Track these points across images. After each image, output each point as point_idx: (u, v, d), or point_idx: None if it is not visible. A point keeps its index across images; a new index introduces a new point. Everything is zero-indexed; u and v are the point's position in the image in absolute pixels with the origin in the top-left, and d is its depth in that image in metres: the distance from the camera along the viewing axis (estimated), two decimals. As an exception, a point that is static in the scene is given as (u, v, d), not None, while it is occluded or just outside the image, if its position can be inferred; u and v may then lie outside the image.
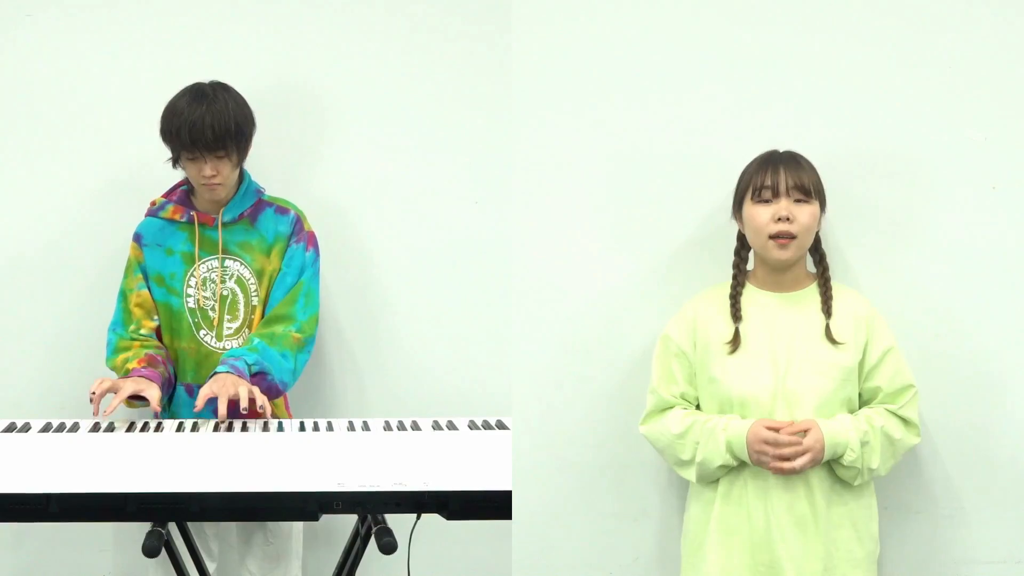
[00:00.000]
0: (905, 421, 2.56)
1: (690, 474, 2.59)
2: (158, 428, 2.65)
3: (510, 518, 2.39)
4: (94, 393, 2.68)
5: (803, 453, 2.46)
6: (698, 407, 2.64)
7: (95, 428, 2.63)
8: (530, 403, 2.84)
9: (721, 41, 2.80)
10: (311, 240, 2.97)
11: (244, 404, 2.64)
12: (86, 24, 3.13)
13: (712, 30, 2.80)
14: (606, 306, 2.82)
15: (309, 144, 3.18)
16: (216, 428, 2.66)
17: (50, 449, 2.43)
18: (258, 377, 2.81)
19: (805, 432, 2.48)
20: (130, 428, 2.64)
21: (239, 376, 2.75)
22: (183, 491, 2.26)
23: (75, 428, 2.62)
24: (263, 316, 2.94)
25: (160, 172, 2.99)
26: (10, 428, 2.63)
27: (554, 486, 2.84)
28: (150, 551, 2.41)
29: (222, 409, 2.65)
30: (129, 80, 3.13)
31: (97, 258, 3.14)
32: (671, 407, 2.63)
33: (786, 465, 2.46)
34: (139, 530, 2.49)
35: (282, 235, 2.94)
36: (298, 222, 2.96)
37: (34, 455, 2.40)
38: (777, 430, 2.48)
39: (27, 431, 2.59)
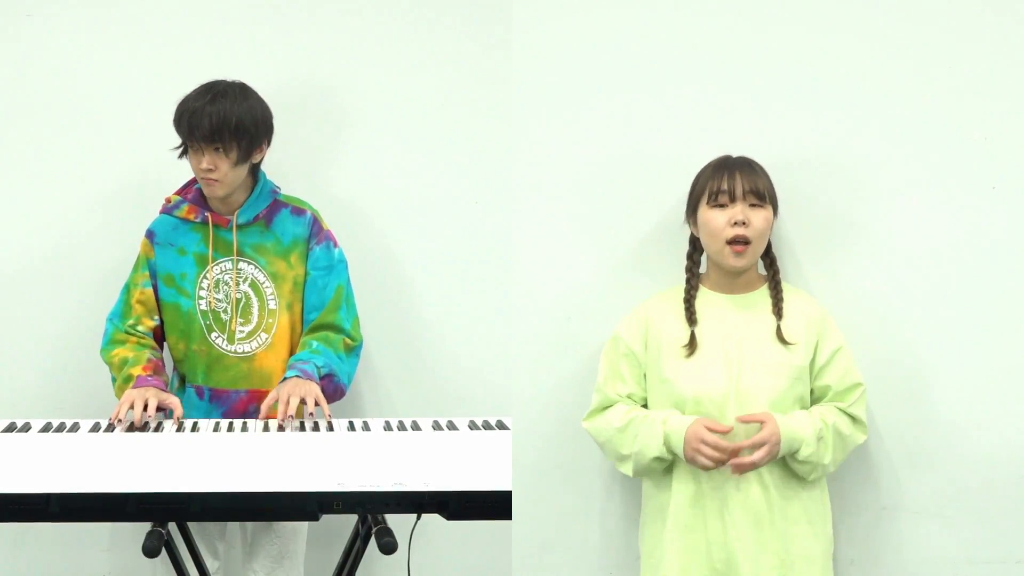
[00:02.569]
0: (853, 419, 2.59)
1: (627, 468, 2.61)
2: (158, 428, 2.65)
3: (510, 518, 2.39)
4: (121, 421, 2.67)
5: (759, 445, 2.47)
6: (645, 407, 2.64)
7: (95, 428, 2.63)
8: (530, 403, 2.84)
9: (717, 43, 2.80)
10: (333, 238, 2.96)
11: (311, 408, 2.66)
12: (90, 24, 3.13)
13: (707, 33, 2.80)
14: (607, 306, 2.82)
15: (315, 143, 3.18)
16: (216, 428, 2.66)
17: (50, 449, 2.43)
18: (327, 379, 2.83)
19: (761, 424, 2.49)
20: (130, 428, 2.64)
21: (307, 379, 2.76)
22: (183, 491, 2.25)
23: (75, 428, 2.62)
24: (297, 321, 2.94)
25: (169, 175, 2.98)
26: (10, 428, 2.63)
27: (554, 486, 2.84)
28: (150, 551, 2.40)
29: (281, 412, 2.65)
30: (140, 81, 3.13)
31: (99, 259, 3.14)
32: (614, 404, 2.64)
33: (746, 460, 2.47)
34: (139, 530, 2.49)
35: (300, 238, 2.93)
36: (315, 223, 2.94)
37: (34, 455, 2.41)
38: (721, 432, 2.48)
39: (27, 431, 2.60)
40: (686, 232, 2.76)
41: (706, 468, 2.50)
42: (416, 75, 3.19)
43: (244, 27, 3.16)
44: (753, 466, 2.49)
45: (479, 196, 3.20)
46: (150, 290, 2.92)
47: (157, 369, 2.86)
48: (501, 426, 2.68)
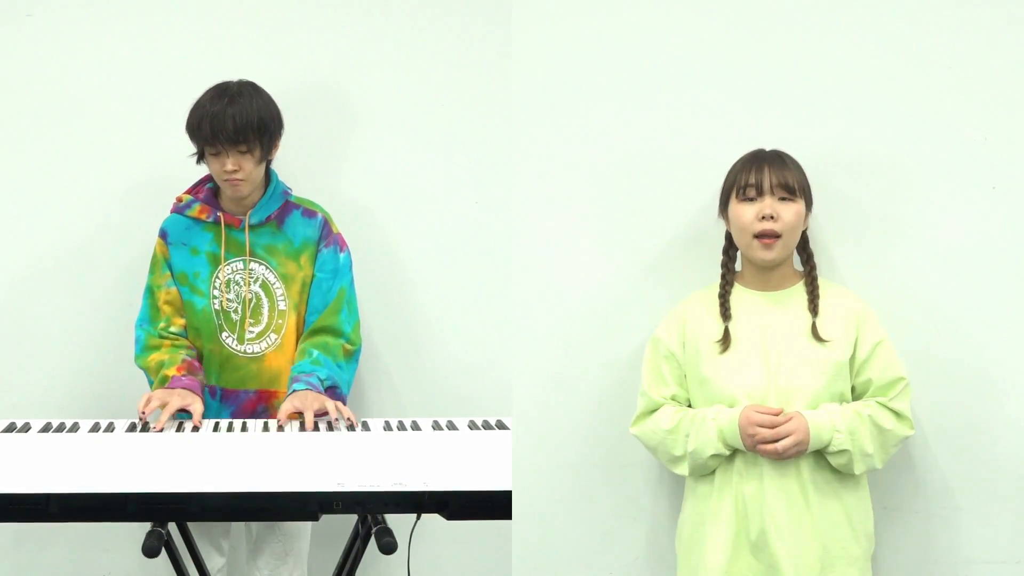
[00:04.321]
0: (896, 413, 2.56)
1: (683, 468, 2.59)
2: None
3: (510, 518, 2.39)
4: (143, 412, 2.67)
5: (786, 435, 2.46)
6: (689, 407, 2.64)
7: (95, 428, 2.63)
8: (530, 403, 2.84)
9: (714, 43, 2.80)
10: (342, 242, 2.95)
11: (334, 417, 2.66)
12: (91, 23, 3.13)
13: (706, 32, 2.80)
14: (606, 306, 2.82)
15: (318, 144, 3.18)
16: (216, 428, 2.66)
17: (50, 449, 2.43)
18: (330, 391, 2.82)
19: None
20: (130, 428, 2.64)
21: (317, 392, 2.76)
22: (183, 491, 2.26)
23: (75, 428, 2.62)
24: (302, 322, 2.93)
25: (172, 174, 2.98)
26: (10, 428, 2.63)
27: (554, 486, 2.84)
28: (150, 551, 2.41)
29: (309, 423, 2.64)
30: (142, 81, 3.13)
31: (99, 260, 3.14)
32: (660, 407, 2.63)
33: (769, 447, 2.47)
34: (139, 530, 2.49)
35: (310, 240, 2.92)
36: (325, 225, 2.94)
37: (34, 455, 2.41)
38: (770, 414, 2.49)
39: (27, 431, 2.60)
40: (688, 232, 2.76)
41: (762, 452, 2.48)
42: (419, 75, 3.19)
43: (249, 28, 3.16)
44: (776, 453, 2.47)
45: (480, 196, 3.20)
46: (175, 289, 2.91)
47: (191, 369, 2.85)
48: (501, 426, 2.68)
